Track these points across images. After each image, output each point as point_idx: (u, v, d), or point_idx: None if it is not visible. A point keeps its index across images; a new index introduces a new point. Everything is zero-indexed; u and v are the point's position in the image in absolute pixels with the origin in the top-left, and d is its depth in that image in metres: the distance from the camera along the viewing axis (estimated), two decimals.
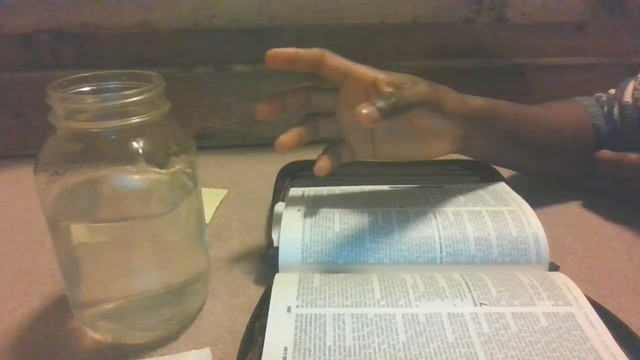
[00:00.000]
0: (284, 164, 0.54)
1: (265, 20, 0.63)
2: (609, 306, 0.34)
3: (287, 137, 0.41)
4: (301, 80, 0.42)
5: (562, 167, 0.52)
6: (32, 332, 0.36)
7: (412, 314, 0.32)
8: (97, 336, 0.35)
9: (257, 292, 0.38)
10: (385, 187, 0.47)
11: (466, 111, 0.42)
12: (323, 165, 0.42)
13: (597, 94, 0.55)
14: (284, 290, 0.34)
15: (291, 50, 0.40)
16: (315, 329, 0.31)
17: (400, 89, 0.38)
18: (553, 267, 0.39)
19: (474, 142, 0.45)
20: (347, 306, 0.33)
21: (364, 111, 0.34)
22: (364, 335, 0.30)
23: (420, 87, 0.38)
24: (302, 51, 0.40)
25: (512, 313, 0.32)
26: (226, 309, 0.38)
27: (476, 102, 0.43)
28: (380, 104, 0.34)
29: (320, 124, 0.43)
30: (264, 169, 0.62)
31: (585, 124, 0.51)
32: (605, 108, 0.52)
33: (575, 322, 0.32)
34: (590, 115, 0.52)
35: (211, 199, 0.54)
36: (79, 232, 0.32)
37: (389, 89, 0.39)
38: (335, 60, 0.40)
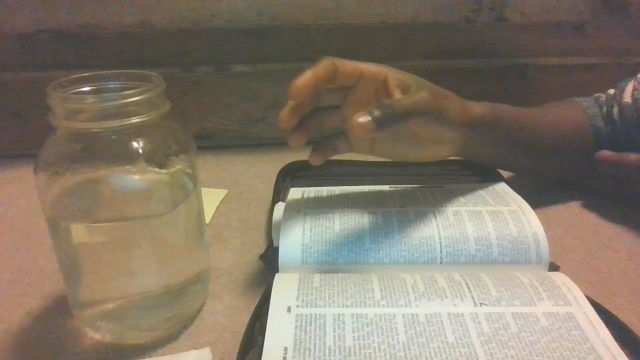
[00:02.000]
0: (284, 164, 0.55)
1: (265, 20, 0.63)
2: (609, 306, 0.34)
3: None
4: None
5: (562, 168, 0.52)
6: (32, 332, 0.36)
7: (412, 314, 0.32)
8: (97, 336, 0.35)
9: (257, 292, 0.38)
10: (385, 187, 0.47)
11: (467, 120, 0.41)
12: (318, 157, 0.43)
13: (596, 95, 0.55)
14: (284, 290, 0.34)
15: (309, 76, 0.37)
16: (315, 329, 0.31)
17: (406, 92, 0.38)
18: (553, 267, 0.39)
19: (474, 147, 0.45)
20: (347, 306, 0.33)
21: (360, 120, 0.34)
22: (364, 335, 0.30)
23: (422, 96, 0.38)
24: (318, 71, 0.38)
25: (512, 313, 0.32)
26: (226, 309, 0.38)
27: (478, 109, 0.43)
28: (377, 113, 0.34)
29: (325, 117, 0.43)
30: (264, 169, 0.62)
31: (584, 125, 0.51)
32: (604, 108, 0.52)
33: (575, 322, 0.32)
34: (589, 116, 0.52)
35: (211, 199, 0.54)
36: (79, 232, 0.32)
37: (396, 91, 0.39)
38: (347, 66, 0.40)
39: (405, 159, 0.45)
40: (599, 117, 0.52)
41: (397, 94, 0.39)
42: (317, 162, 0.43)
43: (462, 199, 0.43)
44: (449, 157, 0.45)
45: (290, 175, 0.53)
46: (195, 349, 0.34)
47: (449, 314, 0.32)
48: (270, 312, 0.32)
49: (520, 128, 0.47)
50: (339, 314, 0.32)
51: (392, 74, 0.39)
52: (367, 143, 0.44)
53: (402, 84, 0.39)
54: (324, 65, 0.38)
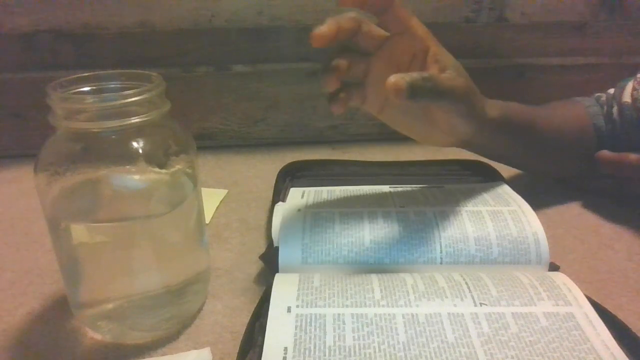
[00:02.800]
0: (284, 164, 0.55)
1: (265, 20, 0.63)
2: (609, 306, 0.34)
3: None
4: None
5: (565, 167, 0.52)
6: (32, 332, 0.36)
7: (412, 314, 0.32)
8: (97, 336, 0.35)
9: (257, 292, 0.38)
10: (385, 187, 0.47)
11: (484, 120, 0.41)
12: (340, 105, 0.40)
13: (597, 94, 0.55)
14: (284, 290, 0.34)
15: (331, 26, 0.36)
16: (315, 329, 0.31)
17: (442, 73, 0.37)
18: (553, 267, 0.39)
19: (480, 143, 0.45)
20: (347, 306, 0.33)
21: (397, 80, 0.33)
22: (364, 335, 0.30)
23: (459, 82, 0.37)
24: (342, 21, 0.36)
25: (512, 313, 0.32)
26: (226, 309, 0.38)
27: (494, 111, 0.42)
28: (416, 81, 0.33)
29: (353, 61, 0.40)
30: (264, 169, 0.62)
31: (586, 124, 0.51)
32: (605, 108, 0.52)
33: (575, 322, 0.32)
34: (591, 115, 0.52)
35: (211, 199, 0.54)
36: (79, 232, 0.32)
37: (434, 66, 0.37)
38: (401, 11, 0.37)
39: (409, 133, 0.43)
40: (600, 117, 0.52)
41: (434, 70, 0.37)
42: (339, 109, 0.41)
43: (462, 199, 0.43)
44: (452, 146, 0.44)
45: (290, 175, 0.53)
46: (195, 349, 0.34)
47: (449, 314, 0.32)
48: (270, 312, 0.32)
49: (527, 127, 0.47)
50: (339, 314, 0.32)
51: (436, 47, 0.38)
52: (379, 102, 0.42)
53: (442, 60, 0.38)
54: (349, 18, 0.37)
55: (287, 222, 0.41)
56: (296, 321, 0.31)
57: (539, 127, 0.48)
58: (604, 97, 0.53)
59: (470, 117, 0.39)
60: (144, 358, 0.33)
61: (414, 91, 0.33)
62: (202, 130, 0.68)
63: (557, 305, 0.33)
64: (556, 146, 0.49)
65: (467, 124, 0.40)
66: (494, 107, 0.43)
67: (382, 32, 0.39)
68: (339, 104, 0.40)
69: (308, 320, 0.32)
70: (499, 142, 0.45)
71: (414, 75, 0.34)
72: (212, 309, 0.38)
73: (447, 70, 0.37)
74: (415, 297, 0.33)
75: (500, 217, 0.41)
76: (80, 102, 0.31)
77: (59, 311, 0.38)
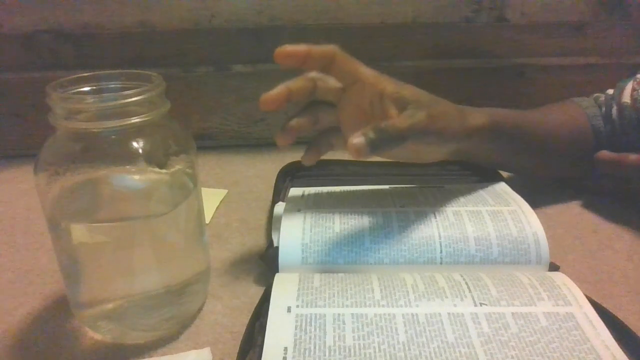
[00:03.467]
0: (284, 164, 0.54)
1: (265, 20, 0.63)
2: (609, 306, 0.34)
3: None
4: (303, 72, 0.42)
5: (562, 169, 0.52)
6: (32, 332, 0.36)
7: (412, 314, 0.32)
8: (97, 336, 0.35)
9: (257, 292, 0.38)
10: (385, 187, 0.47)
11: (467, 132, 0.41)
12: (310, 156, 0.43)
13: (595, 95, 0.55)
14: (284, 290, 0.34)
15: (302, 48, 0.38)
16: (315, 329, 0.31)
17: (402, 109, 0.37)
18: (553, 267, 0.39)
19: (474, 152, 0.45)
20: (347, 306, 0.33)
21: (354, 142, 0.33)
22: (364, 335, 0.30)
23: (419, 118, 0.36)
24: (314, 50, 0.38)
25: (512, 313, 0.32)
26: (226, 309, 0.38)
27: (477, 120, 0.42)
28: (371, 135, 0.34)
29: (320, 113, 0.42)
30: (264, 169, 0.62)
31: (583, 125, 0.51)
32: (604, 109, 0.52)
33: (575, 322, 0.32)
34: (589, 116, 0.52)
35: (211, 199, 0.54)
36: (79, 232, 0.32)
37: (392, 108, 0.37)
38: (347, 63, 0.39)
39: (401, 159, 0.44)
40: (598, 117, 0.52)
41: (392, 111, 0.37)
42: (311, 161, 0.43)
43: (462, 199, 0.43)
44: (446, 159, 0.45)
45: (290, 175, 0.53)
46: (195, 349, 0.34)
47: (449, 314, 0.32)
48: (270, 312, 0.32)
49: (521, 133, 0.47)
50: (339, 314, 0.32)
51: (391, 88, 0.38)
52: None
53: (399, 99, 0.38)
54: (324, 48, 0.38)
55: (287, 222, 0.41)
56: (296, 321, 0.31)
57: (530, 131, 0.48)
58: (602, 97, 0.53)
59: (446, 138, 0.39)
60: (144, 358, 0.33)
61: (374, 145, 0.34)
62: (202, 130, 0.68)
63: (557, 305, 0.33)
64: (551, 149, 0.49)
65: (447, 143, 0.40)
66: (479, 116, 0.42)
67: (338, 84, 0.41)
68: (311, 154, 0.44)
69: (308, 320, 0.32)
70: (491, 150, 0.46)
71: (367, 130, 0.34)
72: (212, 309, 0.38)
73: (408, 106, 0.37)
74: (415, 297, 0.33)
75: (500, 217, 0.41)
76: (80, 102, 0.31)
77: (59, 311, 0.38)
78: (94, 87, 0.33)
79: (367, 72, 0.39)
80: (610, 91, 0.53)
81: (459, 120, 0.40)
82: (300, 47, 0.38)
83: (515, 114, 0.47)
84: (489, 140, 0.44)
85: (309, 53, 0.38)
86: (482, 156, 0.47)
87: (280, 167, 0.54)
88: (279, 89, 0.40)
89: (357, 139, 0.34)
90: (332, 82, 0.41)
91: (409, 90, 0.38)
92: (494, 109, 0.45)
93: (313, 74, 0.41)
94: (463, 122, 0.41)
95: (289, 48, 0.38)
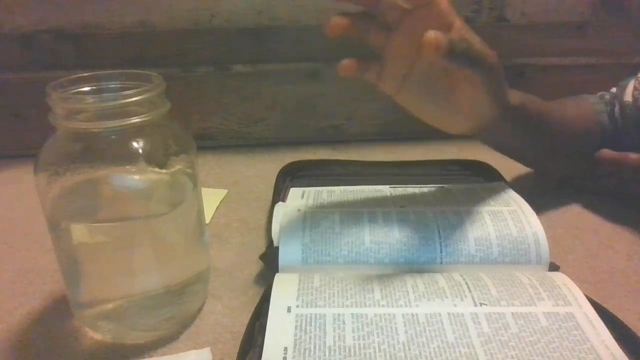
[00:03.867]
0: (284, 164, 0.54)
1: (265, 20, 0.63)
2: (609, 306, 0.34)
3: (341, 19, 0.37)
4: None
5: (572, 163, 0.52)
6: (32, 332, 0.36)
7: (412, 314, 0.32)
8: (97, 336, 0.35)
9: (257, 292, 0.38)
10: (385, 187, 0.47)
11: (505, 103, 0.41)
12: (349, 63, 0.38)
13: (600, 93, 0.55)
14: (284, 290, 0.34)
15: None
16: (315, 329, 0.31)
17: (473, 45, 0.36)
18: (553, 267, 0.39)
19: (497, 131, 0.44)
20: (347, 306, 0.33)
21: (434, 35, 0.31)
22: (364, 335, 0.30)
23: (490, 52, 0.37)
24: None
25: (512, 313, 0.32)
26: (226, 309, 0.38)
27: (516, 99, 0.42)
28: (451, 38, 0.32)
29: (372, 30, 0.39)
30: (264, 169, 0.62)
31: (593, 121, 0.52)
32: (608, 107, 0.52)
33: (575, 322, 0.32)
34: (596, 113, 0.52)
35: (211, 199, 0.54)
36: (79, 232, 0.32)
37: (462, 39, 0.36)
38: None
39: (424, 117, 0.42)
40: (604, 114, 0.52)
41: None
42: (346, 71, 0.38)
43: (462, 199, 0.43)
44: (465, 134, 0.43)
45: (290, 175, 0.53)
46: (195, 349, 0.34)
47: (449, 314, 0.32)
48: (270, 312, 0.32)
49: (544, 120, 0.47)
50: (339, 314, 0.32)
51: (460, 23, 0.36)
52: (397, 81, 0.40)
53: (463, 39, 0.35)
54: None
55: (287, 222, 0.41)
56: (296, 321, 0.31)
57: (553, 121, 0.48)
58: (607, 95, 0.54)
59: (496, 96, 0.39)
60: (144, 358, 0.33)
61: (451, 49, 0.32)
62: (202, 130, 0.68)
63: (557, 305, 0.33)
64: (565, 140, 0.49)
65: (492, 103, 0.39)
66: (515, 95, 0.42)
67: (404, 4, 0.37)
68: (349, 64, 0.38)
69: (308, 320, 0.32)
70: (515, 133, 0.45)
71: (450, 34, 0.33)
72: (212, 309, 0.38)
73: (476, 44, 0.36)
74: (415, 297, 0.33)
75: (500, 217, 0.41)
76: (80, 102, 0.31)
77: (59, 311, 0.38)
78: (94, 87, 0.33)
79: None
80: (614, 90, 0.53)
81: (506, 86, 0.40)
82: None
83: (540, 101, 0.47)
84: (519, 120, 0.43)
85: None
86: (502, 138, 0.46)
87: (280, 167, 0.54)
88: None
89: (439, 34, 0.32)
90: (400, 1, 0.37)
91: (476, 36, 0.37)
92: (527, 94, 0.45)
93: None
94: (508, 91, 0.41)
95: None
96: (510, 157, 0.51)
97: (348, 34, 0.38)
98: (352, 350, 0.29)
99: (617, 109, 0.51)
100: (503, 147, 0.49)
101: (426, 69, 0.39)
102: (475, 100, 0.39)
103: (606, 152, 0.49)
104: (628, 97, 0.50)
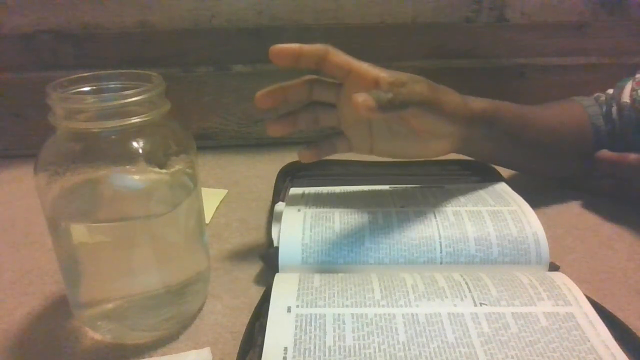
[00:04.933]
0: (284, 164, 0.54)
1: (265, 20, 0.63)
2: (609, 306, 0.34)
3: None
4: (303, 74, 0.42)
5: (561, 166, 0.52)
6: (32, 332, 0.36)
7: (412, 314, 0.32)
8: (97, 336, 0.35)
9: (257, 292, 0.38)
10: (385, 187, 0.47)
11: (467, 113, 0.42)
12: (308, 153, 0.43)
13: (596, 94, 0.55)
14: (284, 290, 0.34)
15: (295, 46, 0.39)
16: (315, 329, 0.31)
17: (401, 88, 0.38)
18: (553, 267, 0.39)
19: (474, 143, 0.45)
20: (347, 306, 0.33)
21: (362, 98, 0.34)
22: (364, 335, 0.30)
23: (419, 87, 0.38)
24: (306, 47, 0.39)
25: (512, 313, 0.32)
26: (226, 309, 0.38)
27: (478, 104, 0.43)
28: (377, 95, 0.34)
29: (320, 114, 0.43)
30: (264, 169, 0.62)
31: (584, 123, 0.51)
32: (604, 108, 0.52)
33: (575, 322, 0.32)
34: (590, 115, 0.52)
35: (211, 199, 0.54)
36: (79, 232, 0.32)
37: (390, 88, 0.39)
38: (339, 57, 0.40)
39: (405, 156, 0.45)
40: (599, 117, 0.52)
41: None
42: (308, 158, 0.43)
43: (462, 199, 0.43)
44: (448, 153, 0.45)
45: (290, 175, 0.53)
46: (195, 349, 0.34)
47: (449, 314, 0.32)
48: (270, 312, 0.32)
49: (521, 125, 0.47)
50: (339, 314, 0.32)
51: (385, 75, 0.39)
52: (366, 141, 0.44)
53: (395, 81, 0.39)
54: (315, 46, 0.39)
55: (287, 222, 0.41)
56: (296, 321, 0.31)
57: (533, 124, 0.48)
58: (603, 97, 0.53)
59: (447, 112, 0.40)
60: (144, 358, 0.33)
61: (380, 105, 0.34)
62: (202, 130, 0.68)
63: (557, 305, 0.33)
64: (552, 145, 0.49)
65: (448, 120, 0.40)
66: (479, 100, 0.43)
67: (334, 80, 0.42)
68: (309, 152, 0.44)
69: (308, 320, 0.32)
70: (494, 141, 0.46)
71: (374, 92, 0.35)
72: (212, 309, 0.38)
73: (405, 84, 0.38)
74: (415, 297, 0.33)
75: (500, 217, 0.41)
76: (80, 102, 0.31)
77: (59, 311, 0.38)
78: (94, 87, 0.33)
79: (358, 63, 0.40)
80: (611, 91, 0.53)
81: (459, 100, 0.41)
82: (292, 45, 0.39)
83: (517, 106, 0.47)
84: (489, 126, 0.44)
85: (301, 50, 0.39)
86: (482, 148, 0.47)
87: (280, 167, 0.54)
88: (274, 85, 0.41)
89: (366, 97, 0.34)
90: (329, 81, 0.42)
91: (404, 74, 0.40)
92: (495, 100, 0.45)
93: (309, 77, 0.42)
94: (464, 102, 0.42)
95: (280, 46, 0.39)
96: (503, 166, 0.51)
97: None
98: (352, 350, 0.29)
99: (614, 109, 0.51)
100: (489, 157, 0.50)
101: (383, 122, 0.42)
102: (430, 126, 0.41)
103: (605, 153, 0.49)
104: (626, 98, 0.50)
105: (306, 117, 0.43)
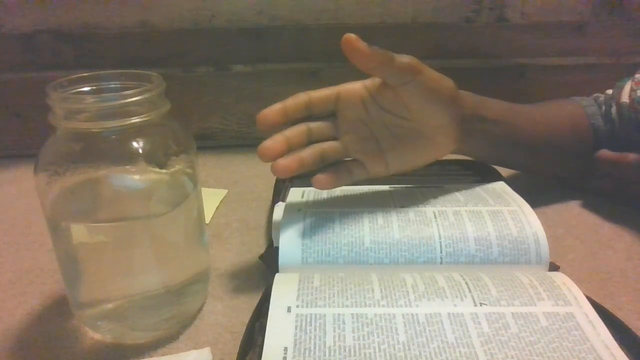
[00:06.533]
0: None
1: (265, 20, 0.63)
2: (609, 306, 0.34)
3: (274, 144, 0.42)
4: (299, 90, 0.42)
5: (560, 166, 0.52)
6: (32, 332, 0.36)
7: (412, 314, 0.32)
8: (97, 336, 0.35)
9: (257, 292, 0.38)
10: (385, 187, 0.47)
11: (458, 95, 0.42)
12: (323, 179, 0.40)
13: (595, 94, 0.55)
14: (284, 290, 0.34)
15: (278, 106, 0.40)
16: (315, 329, 0.31)
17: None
18: (553, 267, 0.39)
19: (472, 142, 0.45)
20: (347, 306, 0.33)
21: (352, 36, 0.37)
22: (364, 335, 0.30)
23: (416, 63, 0.39)
24: (288, 102, 0.40)
25: (512, 313, 0.32)
26: (226, 309, 0.38)
27: (468, 98, 0.43)
28: (377, 48, 0.36)
29: (326, 150, 0.41)
30: (264, 169, 0.61)
31: (583, 123, 0.51)
32: (603, 108, 0.52)
33: (575, 322, 0.32)
34: (589, 115, 0.52)
35: (211, 199, 0.54)
36: (79, 232, 0.32)
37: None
38: (321, 93, 0.40)
39: (416, 162, 0.43)
40: (598, 116, 0.52)
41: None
42: (323, 185, 0.40)
43: (462, 199, 0.43)
44: (451, 151, 0.44)
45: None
46: (195, 349, 0.34)
47: (449, 314, 0.32)
48: (270, 312, 0.32)
49: (517, 123, 0.47)
50: (339, 314, 0.32)
51: (375, 79, 0.39)
52: (380, 159, 0.42)
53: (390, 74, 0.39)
54: (296, 98, 0.40)
55: (287, 222, 0.41)
56: (296, 321, 0.31)
57: (529, 122, 0.48)
58: (602, 97, 0.53)
59: (443, 96, 0.40)
60: (144, 358, 0.33)
61: (373, 50, 0.37)
62: (202, 130, 0.68)
63: (557, 305, 0.33)
64: (550, 144, 0.49)
65: (444, 107, 0.40)
66: (470, 95, 0.44)
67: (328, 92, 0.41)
68: (327, 178, 0.41)
69: (308, 320, 0.32)
70: (491, 139, 0.46)
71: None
72: (212, 309, 0.38)
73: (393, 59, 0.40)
74: (415, 297, 0.33)
75: (500, 217, 0.41)
76: (80, 102, 0.31)
77: (59, 311, 0.38)
78: (94, 87, 0.33)
79: (340, 85, 0.41)
80: (610, 91, 0.53)
81: (452, 84, 0.41)
82: (276, 107, 0.40)
83: (511, 104, 0.47)
84: (482, 121, 0.44)
85: (285, 109, 0.40)
86: (481, 148, 0.47)
87: None
88: (274, 105, 0.41)
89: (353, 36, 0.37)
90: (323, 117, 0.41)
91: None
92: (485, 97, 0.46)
93: (302, 117, 0.41)
94: (457, 92, 0.42)
95: (265, 112, 0.41)
96: (501, 165, 0.51)
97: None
98: (352, 350, 0.29)
99: (613, 109, 0.51)
100: (489, 156, 0.49)
101: (386, 129, 0.42)
102: (432, 108, 0.40)
103: (605, 153, 0.49)
104: (625, 98, 0.50)
105: (312, 155, 0.41)
